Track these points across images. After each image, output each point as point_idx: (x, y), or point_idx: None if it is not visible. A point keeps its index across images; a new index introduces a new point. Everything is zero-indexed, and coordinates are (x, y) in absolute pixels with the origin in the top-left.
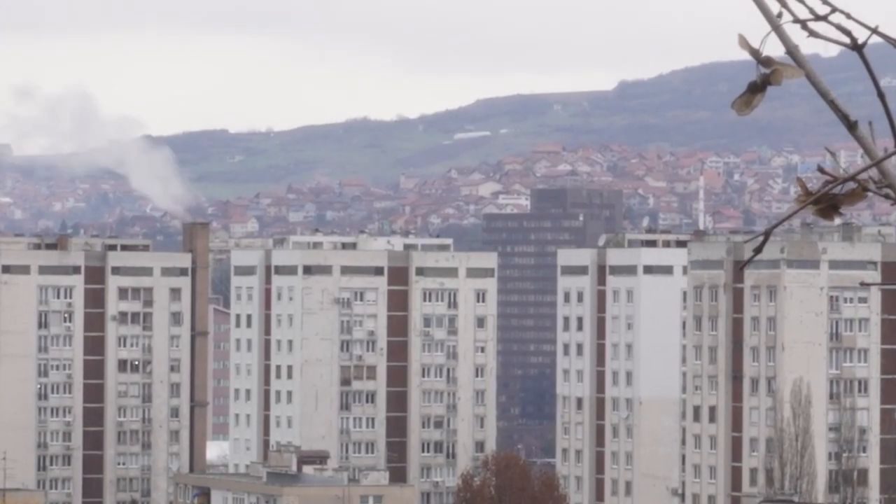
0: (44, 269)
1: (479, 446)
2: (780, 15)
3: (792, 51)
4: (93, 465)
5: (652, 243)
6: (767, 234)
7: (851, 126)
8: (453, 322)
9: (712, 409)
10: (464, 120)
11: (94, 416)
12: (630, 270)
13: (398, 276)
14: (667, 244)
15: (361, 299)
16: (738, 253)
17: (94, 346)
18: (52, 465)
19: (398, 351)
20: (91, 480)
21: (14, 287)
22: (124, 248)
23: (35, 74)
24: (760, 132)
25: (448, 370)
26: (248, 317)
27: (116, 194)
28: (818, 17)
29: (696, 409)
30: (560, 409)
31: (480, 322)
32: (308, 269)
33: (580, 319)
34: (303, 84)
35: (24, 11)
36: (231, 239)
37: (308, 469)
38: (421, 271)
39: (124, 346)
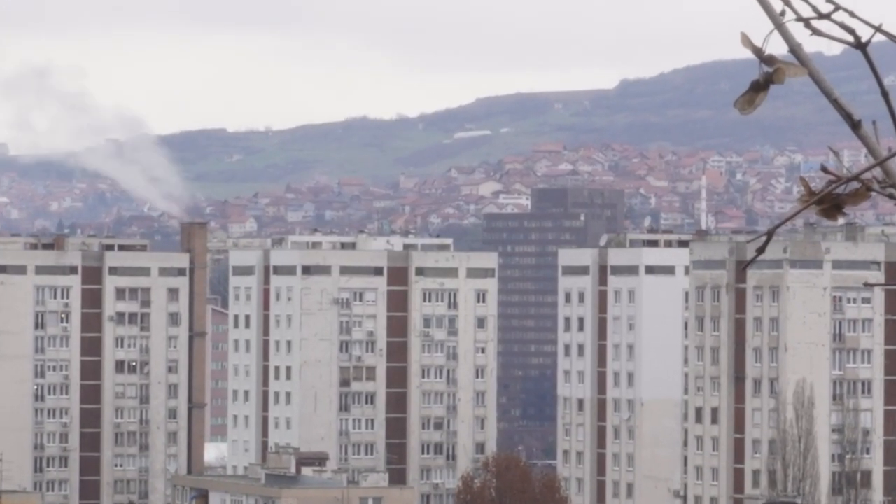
0: (40, 270)
1: (480, 448)
2: (783, 13)
3: (795, 49)
4: (90, 466)
5: (654, 243)
6: (770, 234)
7: (855, 125)
8: (453, 323)
9: (714, 411)
10: (464, 119)
11: (91, 418)
12: (632, 271)
13: (398, 276)
14: (669, 244)
15: (361, 300)
16: (740, 253)
17: (91, 346)
18: (48, 466)
19: (398, 352)
20: (88, 482)
21: (10, 287)
22: (121, 248)
23: (32, 73)
24: (763, 131)
25: (448, 371)
26: (247, 317)
27: (114, 194)
28: (821, 15)
29: (699, 411)
30: (561, 411)
31: (481, 323)
32: (307, 270)
33: (581, 320)
34: (301, 82)
35: (21, 9)
36: (229, 239)
37: (307, 471)
38: (421, 271)
39: (121, 346)
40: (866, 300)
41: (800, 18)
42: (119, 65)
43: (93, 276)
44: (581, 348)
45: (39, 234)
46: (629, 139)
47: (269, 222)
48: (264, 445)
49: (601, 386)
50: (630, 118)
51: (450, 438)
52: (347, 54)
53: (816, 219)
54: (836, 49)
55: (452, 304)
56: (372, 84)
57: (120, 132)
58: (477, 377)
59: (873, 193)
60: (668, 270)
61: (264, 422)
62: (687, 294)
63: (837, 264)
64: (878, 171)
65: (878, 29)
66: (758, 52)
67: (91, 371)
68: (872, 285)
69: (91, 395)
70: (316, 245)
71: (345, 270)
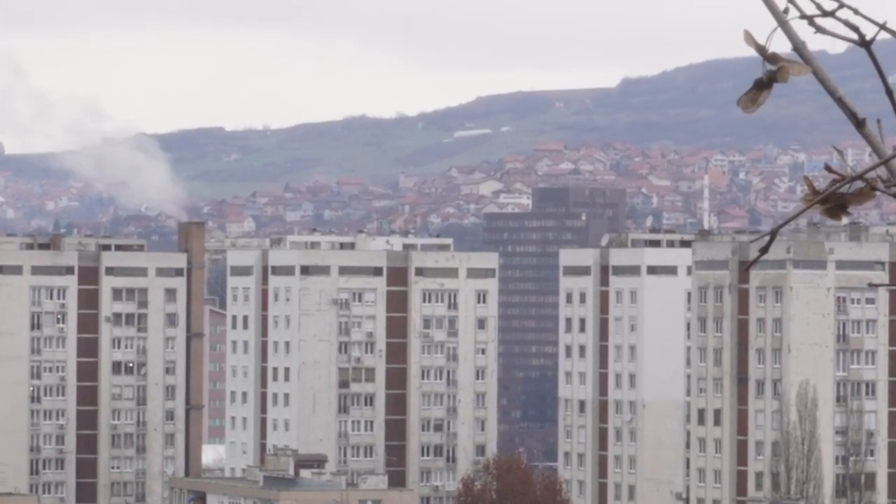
0: (36, 270)
1: (480, 450)
2: (786, 11)
3: (798, 47)
4: (86, 468)
5: (656, 243)
6: (773, 234)
7: (859, 124)
8: (453, 323)
9: (717, 412)
10: (464, 117)
11: (87, 420)
12: (633, 271)
13: (397, 276)
14: (671, 244)
15: (360, 300)
16: (743, 253)
17: (88, 347)
18: (45, 468)
19: (397, 353)
20: (85, 485)
21: (6, 288)
22: (118, 248)
23: (29, 71)
24: (766, 130)
25: (448, 372)
26: (245, 318)
27: (110, 193)
28: (825, 13)
29: (701, 412)
30: (562, 412)
31: (481, 323)
32: (305, 270)
33: (583, 321)
34: (300, 81)
35: (18, 7)
36: (227, 239)
37: (305, 473)
38: (420, 272)
39: (118, 347)
40: (870, 301)
41: (803, 16)
42: (116, 63)
43: (89, 276)
44: (582, 349)
45: (35, 233)
46: (631, 138)
47: (267, 222)
48: (262, 447)
49: (603, 387)
50: (632, 117)
51: (450, 440)
52: (346, 52)
53: (820, 218)
54: (840, 47)
55: (452, 305)
56: (371, 82)
57: (117, 131)
58: (477, 378)
59: (878, 193)
60: (671, 271)
61: (262, 423)
62: (689, 294)
63: (841, 264)
64: (882, 171)
65: (882, 27)
66: (761, 50)
67: (87, 372)
68: (876, 286)
69: (87, 396)
70: (315, 245)
71: (344, 271)
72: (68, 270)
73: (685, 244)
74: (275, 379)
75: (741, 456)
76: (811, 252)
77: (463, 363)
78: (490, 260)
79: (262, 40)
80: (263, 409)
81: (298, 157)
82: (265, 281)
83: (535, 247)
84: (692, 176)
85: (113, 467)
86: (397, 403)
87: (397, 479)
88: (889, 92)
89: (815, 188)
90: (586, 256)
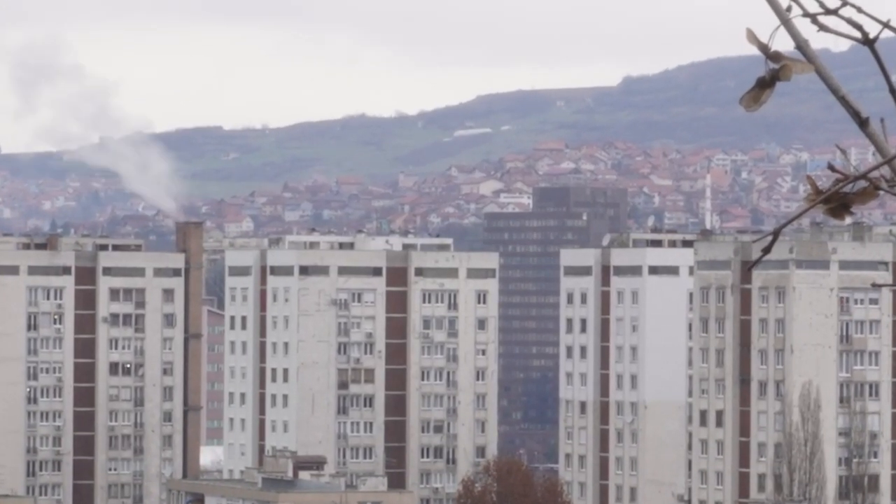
0: (33, 270)
1: (480, 451)
2: (789, 9)
3: (802, 45)
4: (83, 470)
5: (657, 243)
6: (776, 234)
7: (863, 123)
8: (453, 324)
9: (719, 414)
10: (464, 116)
11: (84, 421)
12: (635, 271)
13: (397, 276)
14: (673, 244)
15: (359, 300)
16: (745, 253)
17: (85, 348)
18: (41, 470)
19: (397, 353)
20: (82, 486)
21: (2, 288)
22: (116, 248)
23: (26, 70)
24: (769, 129)
25: (448, 373)
26: (243, 318)
27: (108, 193)
28: (828, 11)
29: (703, 414)
30: (563, 414)
31: (481, 324)
32: (304, 270)
33: (584, 321)
34: (299, 80)
35: (15, 5)
36: (225, 239)
37: (304, 475)
38: (420, 272)
39: (116, 348)
40: (874, 301)
41: (806, 14)
42: (114, 62)
43: (86, 276)
44: (583, 350)
45: (32, 233)
46: (632, 137)
47: (265, 222)
48: (261, 449)
49: (604, 388)
50: (633, 116)
51: (450, 442)
52: (346, 51)
53: (823, 218)
54: (843, 45)
55: (452, 305)
56: (370, 81)
57: (114, 130)
58: (477, 379)
59: (881, 192)
60: (672, 271)
61: (261, 425)
62: (691, 295)
63: (844, 264)
64: (885, 170)
65: (885, 25)
66: (764, 48)
67: (85, 373)
68: (880, 286)
69: (85, 397)
70: (313, 245)
71: (343, 271)
72: (65, 270)
73: (687, 244)
74: (273, 380)
75: (743, 457)
76: (814, 252)
77: (463, 364)
78: (490, 260)
79: (261, 39)
80: (262, 411)
81: (297, 156)
82: (264, 281)
83: (536, 247)
84: (694, 175)
85: (110, 469)
86: (397, 405)
87: (397, 480)
88: (893, 90)
89: (817, 188)
90: (587, 256)
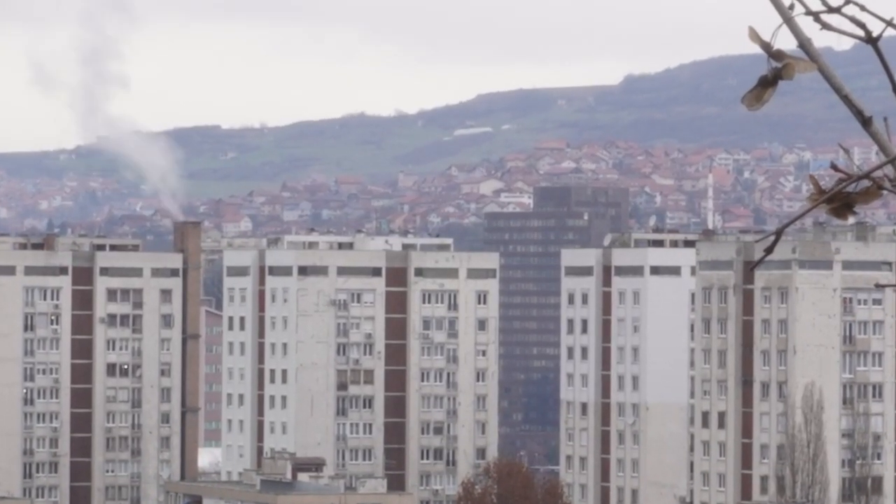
0: (30, 270)
1: (481, 453)
2: (792, 7)
3: (804, 44)
4: (80, 472)
5: (659, 243)
6: (779, 234)
7: (866, 122)
8: (453, 324)
9: (721, 415)
10: (464, 115)
11: (81, 422)
12: (636, 271)
13: (396, 276)
14: (674, 244)
15: (358, 301)
16: (748, 253)
17: (82, 349)
18: (38, 472)
19: (396, 354)
20: (79, 488)
21: None
22: (113, 248)
23: (24, 69)
24: (771, 128)
25: (448, 374)
26: (242, 319)
27: (105, 192)
28: (831, 10)
29: (705, 415)
30: (564, 415)
31: (481, 324)
32: (303, 270)
33: (585, 322)
34: (298, 78)
35: (13, 5)
36: (223, 239)
37: (303, 477)
38: (420, 272)
39: (113, 349)
40: (877, 301)
41: (809, 13)
42: (113, 62)
43: (83, 276)
44: (584, 351)
45: (29, 233)
46: (634, 136)
47: (264, 222)
48: (259, 450)
49: (605, 389)
50: (635, 115)
51: (450, 443)
52: (345, 49)
53: (826, 218)
54: (846, 44)
55: (452, 306)
56: (370, 80)
57: (111, 129)
58: (478, 380)
59: (884, 192)
60: (674, 271)
61: (259, 426)
62: (693, 295)
63: (847, 265)
64: (889, 169)
65: (889, 23)
66: (766, 47)
67: (82, 374)
68: (883, 286)
69: (82, 398)
70: (312, 245)
71: (342, 271)
72: (62, 271)
73: (689, 244)
74: (272, 381)
75: (746, 459)
76: (817, 252)
77: (463, 365)
78: (491, 260)
79: (260, 37)
80: (260, 412)
81: (296, 155)
82: (262, 281)
83: (537, 247)
84: (696, 175)
85: (107, 471)
86: (396, 406)
87: (396, 482)
88: None
89: (820, 187)
90: (588, 256)
